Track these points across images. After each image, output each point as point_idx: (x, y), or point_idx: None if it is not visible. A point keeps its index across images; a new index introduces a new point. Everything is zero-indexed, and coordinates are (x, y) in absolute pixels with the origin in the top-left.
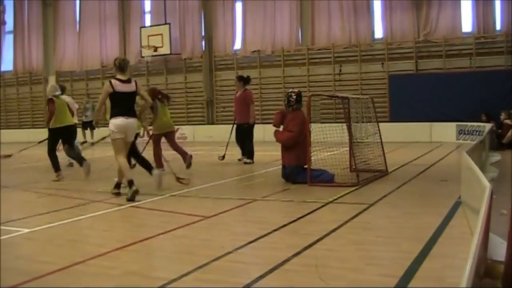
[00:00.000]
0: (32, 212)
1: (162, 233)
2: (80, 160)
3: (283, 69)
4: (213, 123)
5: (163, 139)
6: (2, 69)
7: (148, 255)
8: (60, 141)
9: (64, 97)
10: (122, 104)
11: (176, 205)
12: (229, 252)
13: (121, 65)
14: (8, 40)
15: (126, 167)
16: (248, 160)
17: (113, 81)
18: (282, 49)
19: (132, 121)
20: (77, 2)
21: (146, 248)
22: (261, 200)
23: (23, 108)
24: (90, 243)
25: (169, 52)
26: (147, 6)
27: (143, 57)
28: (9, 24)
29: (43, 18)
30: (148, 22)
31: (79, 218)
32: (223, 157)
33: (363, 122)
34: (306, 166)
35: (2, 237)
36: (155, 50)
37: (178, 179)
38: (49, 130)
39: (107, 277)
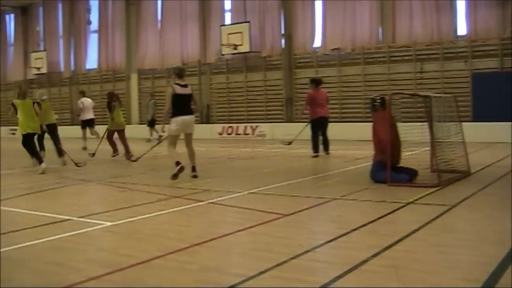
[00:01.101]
0: (113, 206)
1: (241, 230)
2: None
3: (363, 67)
4: (292, 121)
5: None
6: (87, 67)
7: (226, 251)
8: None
9: (84, 99)
10: (182, 104)
11: (255, 203)
12: (307, 251)
13: (179, 73)
14: (93, 39)
15: (175, 154)
16: (312, 153)
17: (174, 85)
18: (362, 46)
19: (189, 117)
20: (159, 1)
21: (224, 244)
22: (339, 199)
23: (104, 105)
24: (169, 238)
25: (248, 50)
26: (227, 4)
27: (223, 55)
28: (94, 24)
29: (126, 17)
30: (228, 21)
31: (159, 213)
32: (290, 143)
33: (445, 121)
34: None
35: (86, 229)
36: (235, 48)
37: (76, 163)
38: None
39: (186, 272)
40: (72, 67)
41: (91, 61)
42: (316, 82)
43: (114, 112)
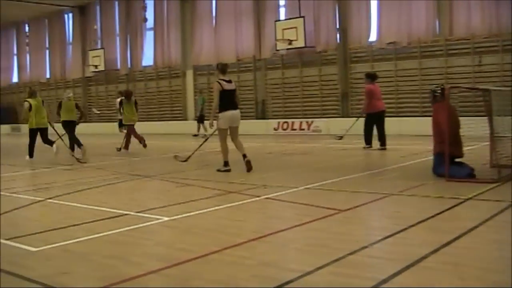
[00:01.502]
0: (171, 201)
1: (297, 225)
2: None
3: (420, 61)
4: (348, 116)
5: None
6: (144, 64)
7: (283, 247)
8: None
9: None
10: (229, 99)
11: (311, 198)
12: (365, 247)
13: (223, 68)
14: (149, 36)
15: (226, 150)
16: (365, 145)
17: (220, 81)
18: (419, 40)
19: (237, 112)
20: None
21: (281, 239)
22: (396, 195)
23: (162, 101)
24: (226, 233)
25: (303, 45)
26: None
27: (278, 50)
28: (150, 21)
29: (181, 14)
30: (282, 16)
31: (215, 208)
32: (341, 137)
33: (505, 115)
34: (456, 160)
35: (144, 224)
36: (290, 44)
37: (77, 159)
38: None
39: (243, 267)
40: (129, 65)
41: (147, 58)
42: (371, 77)
43: (124, 108)
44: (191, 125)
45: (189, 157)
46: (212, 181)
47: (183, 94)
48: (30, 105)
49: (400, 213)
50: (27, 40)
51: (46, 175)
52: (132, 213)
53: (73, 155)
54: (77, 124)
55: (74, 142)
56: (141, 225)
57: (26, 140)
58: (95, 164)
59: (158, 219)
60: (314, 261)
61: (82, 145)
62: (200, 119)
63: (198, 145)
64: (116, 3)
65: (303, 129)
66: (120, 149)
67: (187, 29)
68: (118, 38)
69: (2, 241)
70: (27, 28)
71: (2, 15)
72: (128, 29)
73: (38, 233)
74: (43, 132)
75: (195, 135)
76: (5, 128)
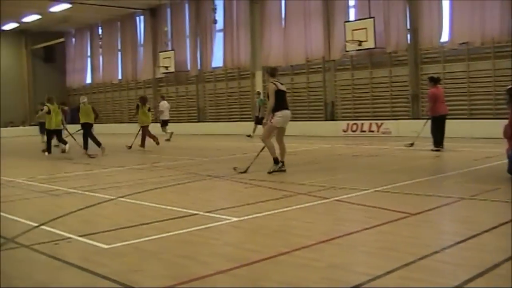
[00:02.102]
0: (239, 202)
1: (367, 228)
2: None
3: (493, 62)
4: (418, 118)
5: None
6: (213, 65)
7: (352, 249)
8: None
9: (163, 102)
10: (283, 99)
11: (381, 201)
12: (436, 252)
13: (272, 72)
14: (219, 38)
15: (273, 147)
16: (434, 147)
17: (275, 83)
18: (493, 40)
19: (289, 112)
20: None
21: (350, 242)
22: (469, 199)
23: (232, 102)
24: (295, 234)
25: (373, 46)
26: (351, 0)
27: (347, 51)
28: (219, 23)
29: (251, 15)
30: (352, 17)
31: (284, 209)
32: (412, 144)
33: None
34: None
35: (213, 224)
36: (360, 44)
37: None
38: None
39: (312, 269)
40: (199, 66)
41: (217, 59)
42: (435, 80)
43: (140, 112)
44: (260, 126)
45: (248, 167)
46: (281, 183)
47: (252, 95)
48: (49, 109)
49: (472, 218)
50: (100, 42)
51: (118, 174)
52: (201, 213)
53: (85, 153)
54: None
55: (93, 142)
56: (210, 225)
57: (100, 139)
58: (166, 164)
59: (227, 219)
60: (383, 265)
61: (101, 144)
62: (259, 121)
63: (258, 151)
64: (186, 5)
65: (373, 131)
66: (130, 147)
67: (256, 30)
68: (188, 40)
69: (76, 237)
70: (100, 31)
71: (77, 18)
72: (198, 30)
73: (110, 230)
74: (59, 132)
75: (249, 136)
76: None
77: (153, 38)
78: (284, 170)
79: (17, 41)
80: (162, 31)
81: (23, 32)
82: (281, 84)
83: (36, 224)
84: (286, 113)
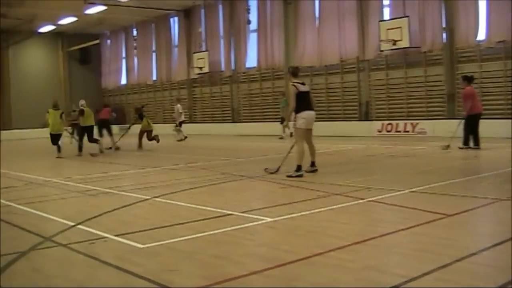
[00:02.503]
0: (274, 202)
1: (402, 229)
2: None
3: None
4: (454, 118)
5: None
6: (247, 66)
7: (387, 251)
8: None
9: (179, 105)
10: (305, 101)
11: (416, 202)
12: (473, 254)
13: (295, 72)
14: (252, 38)
15: (302, 153)
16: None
17: (296, 84)
18: None
19: (313, 113)
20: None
21: (385, 243)
22: (506, 200)
23: (266, 102)
24: (329, 235)
25: (408, 45)
26: None
27: (382, 51)
28: (253, 23)
29: (285, 16)
30: (386, 16)
31: (318, 210)
32: (447, 146)
33: None
34: None
35: (247, 224)
36: (394, 44)
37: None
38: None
39: (346, 270)
40: (233, 66)
41: (251, 60)
42: (468, 79)
43: (144, 120)
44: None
45: (279, 168)
46: (315, 183)
47: (287, 96)
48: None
49: (509, 220)
50: (135, 44)
51: (153, 174)
52: (235, 213)
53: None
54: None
55: (90, 141)
56: (244, 225)
57: (134, 140)
58: (200, 164)
59: (261, 219)
60: (419, 267)
61: (99, 140)
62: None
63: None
64: (220, 6)
65: (408, 131)
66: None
67: (290, 30)
68: (222, 40)
69: (112, 237)
70: (135, 32)
71: (112, 19)
72: (232, 31)
73: (145, 230)
74: (59, 136)
75: (281, 138)
76: (113, 128)
77: (187, 39)
78: (316, 170)
79: (54, 43)
80: (196, 32)
81: (59, 34)
82: (303, 84)
83: (72, 224)
84: (310, 114)
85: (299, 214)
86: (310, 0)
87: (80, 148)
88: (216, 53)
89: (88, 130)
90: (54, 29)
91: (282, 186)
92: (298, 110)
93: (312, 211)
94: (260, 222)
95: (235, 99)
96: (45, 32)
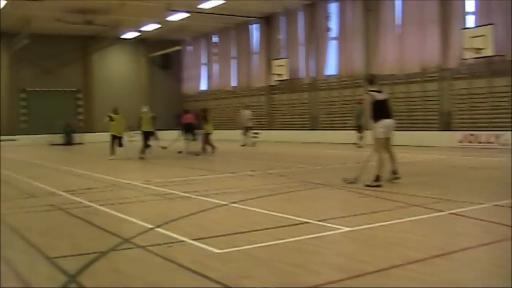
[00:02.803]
0: (352, 212)
1: (484, 244)
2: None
3: None
4: None
5: None
6: (327, 73)
7: (467, 266)
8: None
9: (247, 112)
10: (383, 109)
11: (499, 216)
12: None
13: (371, 79)
14: (332, 46)
15: (382, 163)
16: None
17: (372, 93)
18: None
19: (392, 121)
20: (398, 7)
21: (466, 258)
22: None
23: (345, 110)
24: (408, 247)
25: (492, 53)
26: (470, 6)
27: (465, 59)
28: (333, 31)
29: (365, 23)
30: (470, 23)
31: (397, 221)
32: None
33: None
34: None
35: (324, 233)
36: (478, 52)
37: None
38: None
39: (425, 284)
40: (312, 74)
41: (330, 67)
42: None
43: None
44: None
45: (356, 177)
46: (394, 193)
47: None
48: (111, 118)
49: None
50: (215, 50)
51: (231, 180)
52: (313, 221)
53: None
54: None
55: (146, 147)
56: (321, 234)
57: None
58: (278, 171)
59: (338, 228)
60: (502, 284)
61: (150, 146)
62: (360, 129)
63: (364, 160)
64: (301, 13)
65: (491, 142)
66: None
67: (371, 37)
68: (301, 48)
69: (189, 240)
70: (215, 39)
71: (194, 26)
72: (312, 38)
73: (222, 235)
74: (120, 138)
75: (358, 146)
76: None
77: (267, 46)
78: (398, 178)
79: (136, 49)
80: (276, 39)
81: (141, 40)
82: (380, 92)
83: (151, 226)
84: (388, 122)
85: (378, 224)
86: (391, 7)
87: (143, 150)
88: (296, 60)
89: (146, 134)
90: (137, 36)
91: (360, 195)
92: (376, 119)
93: (391, 222)
94: (337, 231)
95: (314, 106)
96: (128, 39)
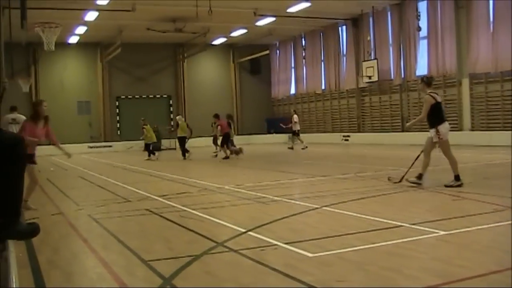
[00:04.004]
0: (447, 215)
1: None
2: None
3: None
4: None
5: None
6: (418, 74)
7: None
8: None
9: (295, 116)
10: (442, 111)
11: None
12: None
13: (429, 81)
14: (422, 45)
15: (456, 163)
16: None
17: (432, 94)
18: None
19: (448, 124)
20: (491, 2)
21: None
22: None
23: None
24: (507, 252)
25: None
26: None
27: None
28: (423, 30)
29: (456, 21)
30: None
31: (496, 224)
32: None
33: None
34: None
35: (419, 237)
36: None
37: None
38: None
39: None
40: (402, 74)
41: (421, 67)
42: None
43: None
44: (466, 136)
45: (403, 177)
46: (490, 195)
47: (458, 104)
48: (144, 128)
49: None
50: (303, 53)
51: (322, 183)
52: (406, 224)
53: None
54: (187, 139)
55: (183, 151)
56: (416, 237)
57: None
58: (370, 174)
59: (433, 232)
60: None
61: (188, 152)
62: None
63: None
64: (389, 13)
65: None
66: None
67: (462, 35)
68: (391, 48)
69: (281, 244)
70: (303, 42)
71: (281, 30)
72: (401, 38)
73: (314, 239)
74: (155, 144)
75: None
76: (283, 137)
77: (356, 48)
78: (462, 185)
79: (225, 55)
80: (364, 40)
81: (230, 46)
82: (437, 94)
83: (244, 230)
84: (448, 125)
85: (475, 228)
86: (483, 3)
87: (183, 154)
88: (385, 61)
89: (181, 140)
90: (225, 41)
91: (454, 197)
92: (439, 121)
93: (489, 225)
94: (432, 235)
95: (405, 107)
96: (218, 44)
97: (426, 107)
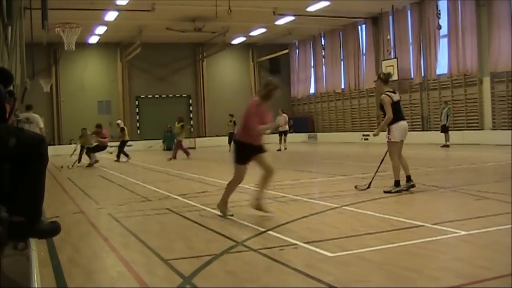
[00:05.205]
0: (468, 215)
1: None
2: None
3: None
4: None
5: None
6: (438, 73)
7: None
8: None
9: (284, 116)
10: (399, 110)
11: None
12: None
13: (386, 79)
14: (443, 44)
15: (399, 168)
16: None
17: (389, 94)
18: None
19: (406, 123)
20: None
21: None
22: None
23: (457, 110)
24: None
25: None
26: None
27: None
28: (444, 28)
29: (477, 19)
30: None
31: None
32: None
33: None
34: None
35: (440, 237)
36: None
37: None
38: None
39: None
40: (423, 73)
41: (441, 66)
42: None
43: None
44: (487, 135)
45: (370, 183)
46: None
47: (479, 103)
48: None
49: None
50: (323, 52)
51: (342, 182)
52: (427, 224)
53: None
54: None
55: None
56: (437, 237)
57: (323, 147)
58: (389, 173)
59: (455, 232)
60: None
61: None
62: (445, 130)
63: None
64: (409, 11)
65: None
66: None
67: (483, 34)
68: (411, 47)
69: (301, 244)
70: (323, 41)
71: (301, 29)
72: (422, 37)
73: (334, 239)
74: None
75: (446, 146)
76: (303, 136)
77: (375, 46)
78: (414, 186)
79: (245, 54)
80: (384, 39)
81: (250, 45)
82: (395, 93)
83: (263, 229)
84: (403, 124)
85: (496, 228)
86: (505, 0)
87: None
88: (405, 60)
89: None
90: (245, 41)
91: (476, 197)
92: (394, 121)
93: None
94: (453, 235)
95: (425, 106)
96: (237, 44)
97: (388, 107)
